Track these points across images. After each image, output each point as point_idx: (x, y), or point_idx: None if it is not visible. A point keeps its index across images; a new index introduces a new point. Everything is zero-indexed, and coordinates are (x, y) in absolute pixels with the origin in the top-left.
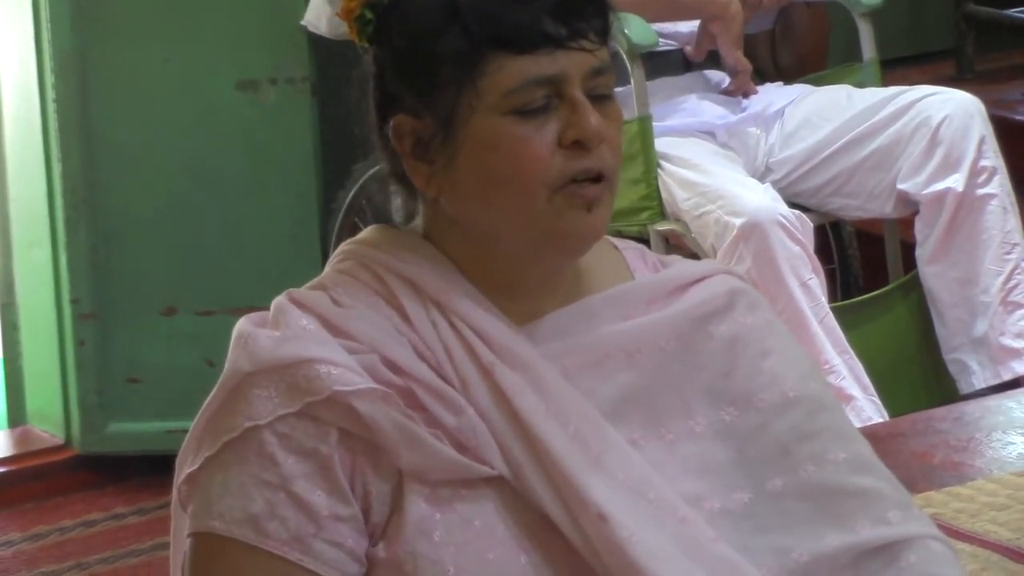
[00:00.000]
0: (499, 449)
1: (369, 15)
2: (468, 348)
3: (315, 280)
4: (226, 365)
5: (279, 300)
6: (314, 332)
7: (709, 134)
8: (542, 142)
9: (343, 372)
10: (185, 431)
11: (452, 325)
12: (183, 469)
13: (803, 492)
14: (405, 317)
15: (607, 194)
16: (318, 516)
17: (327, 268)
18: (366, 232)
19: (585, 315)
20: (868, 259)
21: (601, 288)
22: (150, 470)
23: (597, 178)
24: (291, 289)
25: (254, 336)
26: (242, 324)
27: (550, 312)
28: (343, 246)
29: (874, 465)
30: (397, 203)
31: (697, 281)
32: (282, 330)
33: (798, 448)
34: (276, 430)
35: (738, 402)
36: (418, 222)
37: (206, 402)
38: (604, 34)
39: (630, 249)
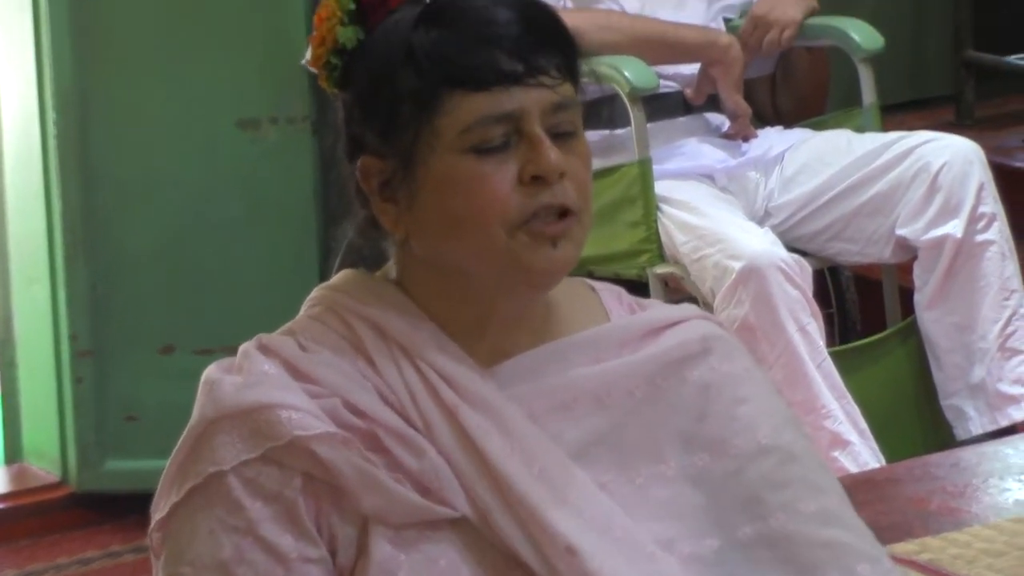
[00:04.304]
0: (463, 490)
1: (336, 61)
2: (432, 391)
3: (287, 325)
4: (193, 412)
5: (246, 346)
6: (276, 377)
7: (708, 177)
8: (501, 180)
9: (304, 417)
10: None
11: (417, 369)
12: (155, 516)
13: (773, 541)
14: (370, 362)
15: (574, 228)
16: (286, 559)
17: (300, 312)
18: (338, 277)
19: (555, 357)
20: (866, 304)
21: (574, 329)
22: (146, 508)
23: (563, 214)
24: (261, 334)
25: (219, 382)
26: (209, 370)
27: (521, 352)
28: (316, 291)
29: (845, 518)
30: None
31: (671, 325)
32: (244, 376)
33: (769, 497)
34: (241, 475)
35: (711, 448)
36: (390, 266)
37: (175, 449)
38: (566, 71)
39: (606, 290)
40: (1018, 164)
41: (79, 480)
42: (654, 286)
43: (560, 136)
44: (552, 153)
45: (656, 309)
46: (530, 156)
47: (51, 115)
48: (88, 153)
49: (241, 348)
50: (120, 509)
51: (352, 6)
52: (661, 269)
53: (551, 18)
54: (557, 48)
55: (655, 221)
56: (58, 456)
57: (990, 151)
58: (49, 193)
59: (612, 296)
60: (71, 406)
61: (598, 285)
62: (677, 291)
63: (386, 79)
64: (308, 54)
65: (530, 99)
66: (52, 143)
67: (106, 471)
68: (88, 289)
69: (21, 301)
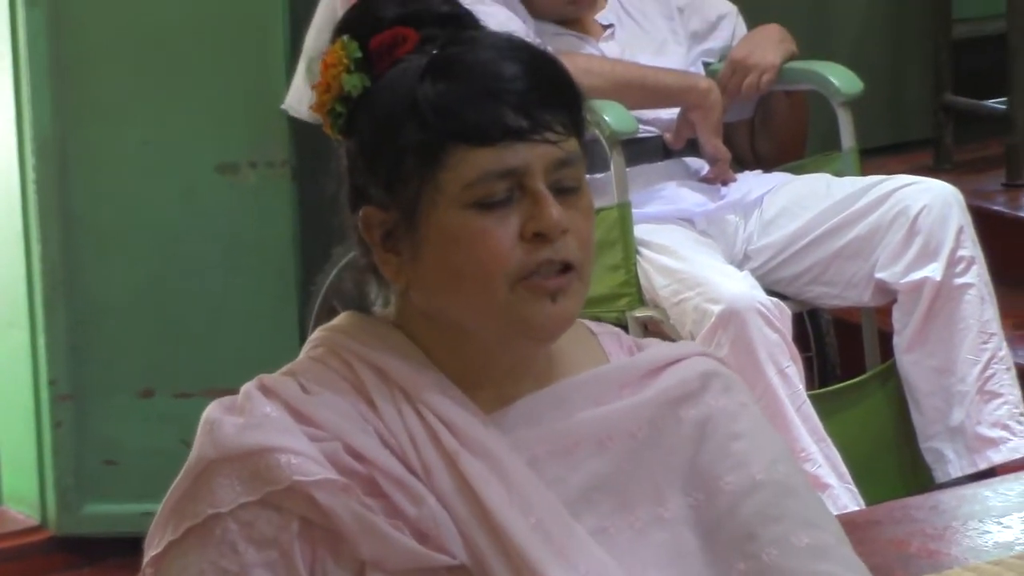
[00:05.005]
0: (461, 538)
1: (340, 109)
2: (433, 436)
3: (288, 366)
4: (192, 450)
5: (248, 386)
6: (277, 419)
7: (688, 221)
8: (503, 235)
9: (304, 461)
10: None
11: (418, 413)
12: (149, 551)
13: None
14: (372, 404)
15: (575, 283)
16: None
17: (301, 354)
18: (339, 319)
19: (557, 401)
20: (845, 347)
21: (575, 373)
22: (126, 552)
23: (564, 269)
24: (262, 375)
25: (219, 423)
26: (210, 410)
27: (522, 397)
28: (317, 332)
29: (838, 553)
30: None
31: (671, 364)
32: (246, 417)
33: (762, 532)
34: (239, 518)
35: (705, 486)
36: (391, 309)
37: (172, 486)
38: (571, 126)
39: (606, 333)
40: (997, 208)
41: (58, 524)
42: (633, 330)
43: (563, 191)
44: (555, 210)
45: (655, 348)
46: (532, 212)
47: (31, 160)
48: (67, 198)
49: (243, 388)
50: (99, 553)
51: (359, 54)
52: (640, 313)
53: (558, 72)
54: (563, 103)
55: (634, 265)
56: (37, 500)
57: (969, 195)
58: (28, 237)
59: (612, 339)
60: (50, 450)
61: (597, 328)
62: (657, 335)
63: (390, 130)
64: (288, 98)
65: (534, 155)
66: (31, 188)
67: (85, 515)
68: (67, 333)
69: (0, 345)
